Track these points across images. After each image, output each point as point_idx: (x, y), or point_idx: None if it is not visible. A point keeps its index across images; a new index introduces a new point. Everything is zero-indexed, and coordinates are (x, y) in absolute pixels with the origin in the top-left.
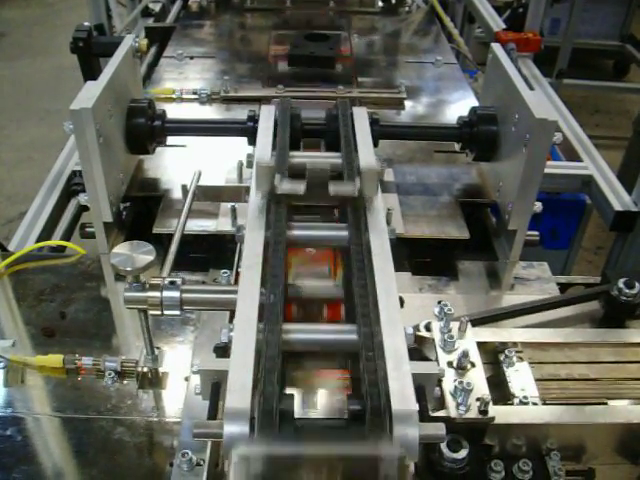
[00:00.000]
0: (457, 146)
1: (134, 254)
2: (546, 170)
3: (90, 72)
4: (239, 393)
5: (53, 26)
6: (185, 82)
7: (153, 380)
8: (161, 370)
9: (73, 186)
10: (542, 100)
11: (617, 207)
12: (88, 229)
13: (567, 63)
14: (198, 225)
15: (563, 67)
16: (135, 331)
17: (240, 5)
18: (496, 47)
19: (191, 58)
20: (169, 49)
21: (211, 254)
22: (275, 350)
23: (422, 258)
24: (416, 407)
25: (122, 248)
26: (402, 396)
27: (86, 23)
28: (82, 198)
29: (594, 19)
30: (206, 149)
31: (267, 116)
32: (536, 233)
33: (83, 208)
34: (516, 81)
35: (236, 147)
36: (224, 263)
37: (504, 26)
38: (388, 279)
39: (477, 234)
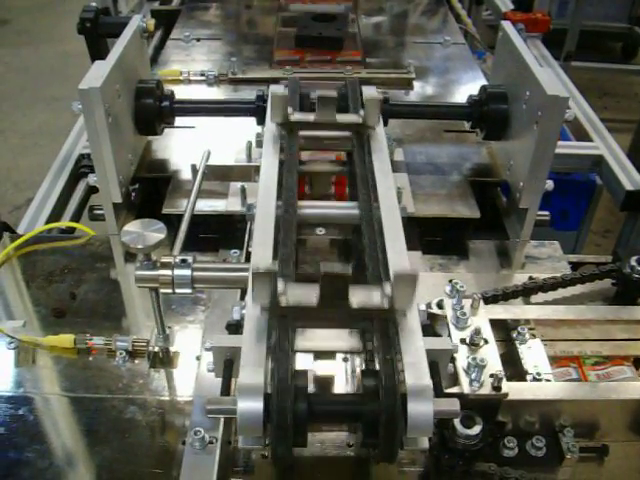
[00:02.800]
0: (467, 125)
1: (145, 232)
2: (556, 150)
3: (97, 53)
4: (252, 368)
5: (57, 13)
6: (192, 64)
7: (164, 359)
8: (172, 349)
9: (81, 168)
10: (553, 77)
11: (628, 186)
12: (97, 211)
13: (575, 45)
14: (208, 205)
15: (571, 49)
16: (145, 312)
17: None
18: (506, 25)
19: (198, 40)
20: (175, 31)
21: (221, 234)
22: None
23: (432, 237)
24: (430, 382)
25: (133, 226)
26: (416, 371)
27: (93, 3)
28: (91, 179)
29: (602, 1)
30: (214, 130)
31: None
32: (546, 213)
33: (92, 190)
34: (527, 58)
35: (244, 128)
36: (234, 243)
37: (512, 6)
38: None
39: (488, 214)
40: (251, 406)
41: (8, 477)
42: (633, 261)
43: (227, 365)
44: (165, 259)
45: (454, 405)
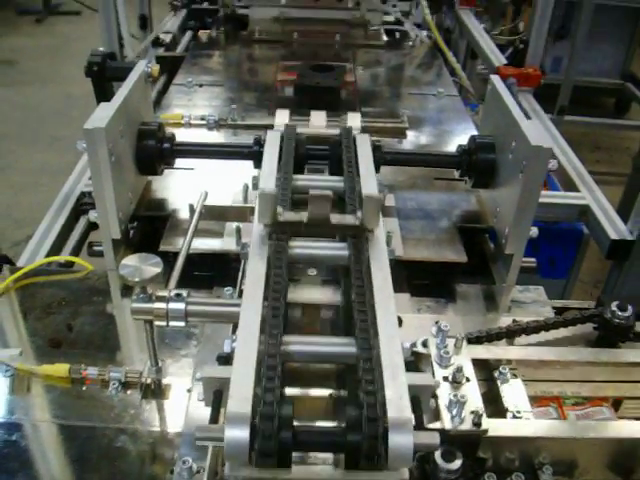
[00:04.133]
0: (457, 173)
1: (142, 265)
2: (544, 199)
3: (103, 96)
4: (240, 399)
5: (62, 55)
6: (194, 109)
7: (156, 391)
8: (164, 382)
9: (82, 206)
10: (538, 128)
11: (613, 235)
12: (96, 247)
13: (568, 100)
14: (204, 243)
15: (564, 104)
16: (139, 345)
17: (248, 37)
18: (495, 78)
19: (200, 86)
20: (179, 77)
21: (215, 272)
22: (276, 359)
23: (421, 281)
24: (411, 415)
25: (131, 260)
26: (398, 405)
27: (100, 48)
28: (92, 215)
29: (595, 57)
30: (213, 172)
31: (273, 141)
32: (533, 260)
33: (91, 227)
34: (513, 110)
35: (241, 171)
36: (227, 281)
37: (505, 61)
38: (387, 297)
39: (475, 259)
40: (238, 434)
41: None
42: (614, 306)
43: (216, 395)
44: (160, 293)
45: (434, 438)
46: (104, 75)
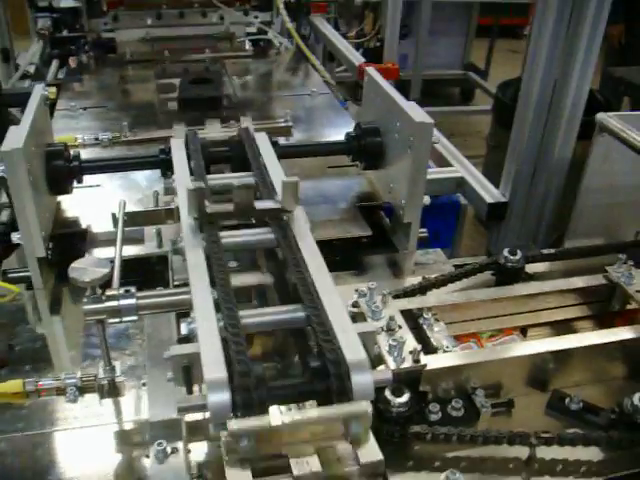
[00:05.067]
0: (348, 159)
1: (90, 268)
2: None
3: (3, 122)
4: (215, 365)
5: None
6: (84, 131)
7: (113, 390)
8: (118, 380)
9: None
10: (417, 108)
11: (489, 200)
12: (11, 275)
13: (419, 93)
14: (126, 250)
15: (416, 97)
16: (75, 355)
17: (120, 58)
18: (371, 70)
19: (84, 109)
20: (60, 103)
21: (141, 277)
22: (238, 328)
23: (332, 257)
24: (366, 356)
25: (78, 264)
26: (353, 349)
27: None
28: (14, 237)
29: (438, 52)
30: (117, 187)
31: (178, 148)
32: (424, 230)
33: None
34: (394, 95)
35: (143, 184)
36: (155, 283)
37: (364, 60)
38: (319, 265)
39: (375, 235)
40: (219, 397)
41: None
42: (505, 252)
43: (186, 371)
44: (110, 292)
45: (387, 374)
46: (1, 102)
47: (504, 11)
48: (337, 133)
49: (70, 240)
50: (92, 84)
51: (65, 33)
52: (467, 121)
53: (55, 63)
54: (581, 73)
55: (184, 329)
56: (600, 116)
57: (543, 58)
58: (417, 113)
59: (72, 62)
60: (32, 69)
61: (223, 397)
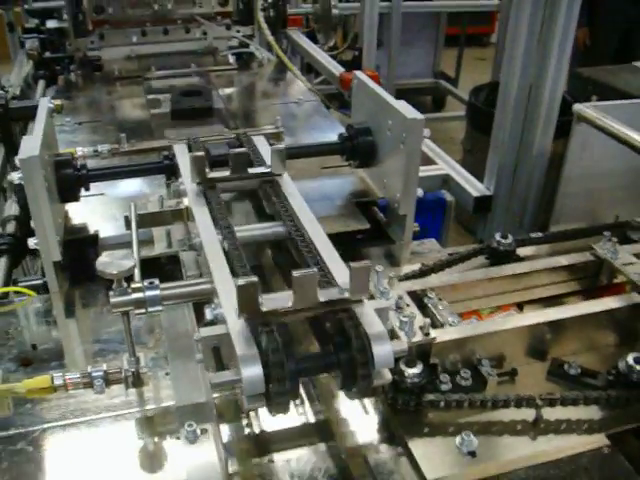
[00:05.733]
0: (342, 159)
1: (115, 261)
2: None
3: (9, 136)
4: (245, 342)
5: None
6: (82, 144)
7: (139, 380)
8: (143, 371)
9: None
10: (407, 106)
11: (475, 194)
12: (21, 284)
13: None
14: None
15: None
16: (92, 356)
17: (107, 76)
18: (359, 74)
19: (79, 124)
20: (56, 119)
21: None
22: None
23: None
24: (384, 328)
25: (105, 257)
26: (372, 323)
27: (0, 91)
28: (31, 242)
29: (409, 62)
30: (119, 195)
31: (182, 152)
32: (417, 224)
33: (12, 266)
34: (384, 95)
35: (145, 191)
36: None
37: (343, 69)
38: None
39: (371, 229)
40: (253, 371)
41: None
42: (497, 237)
43: (215, 352)
44: (135, 285)
45: (403, 344)
46: (8, 116)
47: (470, 21)
48: (326, 137)
49: (79, 246)
50: (82, 101)
51: (49, 54)
52: (440, 128)
53: (42, 83)
54: (555, 74)
55: (209, 314)
56: (577, 107)
57: (519, 62)
58: (408, 110)
59: (60, 80)
60: (17, 90)
61: (256, 371)
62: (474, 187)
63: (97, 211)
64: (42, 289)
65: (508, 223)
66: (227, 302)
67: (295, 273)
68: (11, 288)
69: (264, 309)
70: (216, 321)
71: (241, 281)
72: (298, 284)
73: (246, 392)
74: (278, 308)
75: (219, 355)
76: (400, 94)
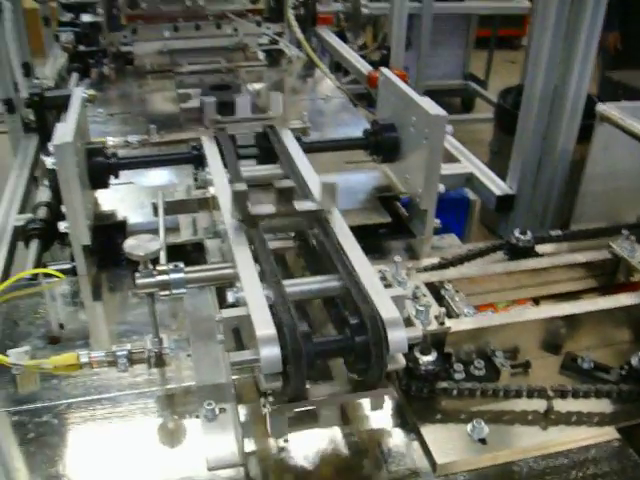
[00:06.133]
0: (363, 155)
1: (142, 244)
2: None
3: (44, 123)
4: (264, 323)
5: None
6: (113, 134)
7: (161, 360)
8: (165, 352)
9: (31, 232)
10: (431, 102)
11: (498, 192)
12: (51, 267)
13: None
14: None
15: None
16: (117, 336)
17: (138, 70)
18: (385, 70)
19: (111, 115)
20: (88, 110)
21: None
22: (283, 292)
23: None
24: (399, 314)
25: (132, 241)
26: (388, 308)
27: (36, 81)
28: (62, 226)
29: (439, 63)
30: (147, 184)
31: (210, 144)
32: (438, 221)
33: (43, 250)
34: (409, 92)
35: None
36: None
37: (371, 68)
38: (357, 250)
39: (393, 224)
40: (271, 351)
41: None
42: (516, 233)
43: (235, 333)
44: (160, 267)
45: (418, 331)
46: (44, 104)
47: (501, 23)
48: (352, 133)
49: (108, 231)
50: (115, 93)
51: (83, 47)
52: (469, 130)
53: (75, 76)
54: (580, 75)
55: (230, 297)
56: (600, 107)
57: (543, 63)
58: (432, 107)
59: (93, 73)
60: (52, 82)
61: (274, 351)
62: (497, 186)
63: (126, 199)
64: (71, 273)
65: (530, 223)
66: (249, 285)
67: (275, 183)
68: (41, 270)
69: (253, 213)
70: (237, 304)
71: (235, 187)
72: (279, 193)
73: (264, 370)
74: (264, 212)
75: (239, 338)
76: (429, 95)
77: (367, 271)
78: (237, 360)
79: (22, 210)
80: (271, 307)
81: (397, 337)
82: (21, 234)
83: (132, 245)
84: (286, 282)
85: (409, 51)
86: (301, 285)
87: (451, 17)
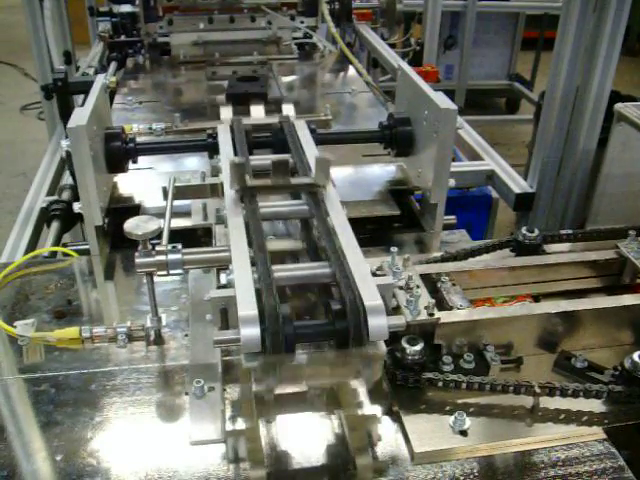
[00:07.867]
0: (381, 147)
1: (142, 224)
2: (456, 169)
3: (66, 108)
4: (248, 304)
5: None
6: (139, 121)
7: (159, 339)
8: (164, 331)
9: (53, 212)
10: (443, 96)
11: (517, 190)
12: (69, 247)
13: (463, 103)
14: (174, 223)
15: (460, 106)
16: (127, 311)
17: (173, 60)
18: (403, 64)
19: (140, 103)
20: (118, 98)
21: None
22: (269, 277)
23: (363, 235)
24: (381, 301)
25: (133, 221)
26: (371, 295)
27: (61, 67)
28: (76, 206)
29: (483, 62)
30: (166, 171)
31: (224, 132)
32: (453, 217)
33: (63, 230)
34: (422, 85)
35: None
36: None
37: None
38: (348, 232)
39: (406, 218)
40: (251, 331)
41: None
42: (523, 230)
43: (223, 312)
44: (159, 248)
45: (401, 319)
46: (67, 89)
47: (549, 24)
48: (374, 127)
49: (124, 214)
50: (147, 82)
51: (122, 37)
52: (512, 131)
53: (113, 65)
54: (602, 75)
55: (223, 279)
56: (618, 106)
57: (566, 62)
58: (443, 100)
59: (129, 63)
60: (91, 72)
61: (254, 331)
62: (517, 184)
63: (144, 184)
64: (87, 253)
65: (549, 222)
66: (238, 267)
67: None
68: (56, 248)
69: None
70: (229, 285)
71: (234, 159)
72: (275, 167)
73: (243, 349)
74: (260, 184)
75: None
76: (473, 95)
77: (356, 258)
78: (219, 339)
79: (51, 193)
80: (258, 290)
81: (377, 323)
82: (45, 215)
83: (132, 225)
84: (277, 267)
85: (454, 49)
86: (292, 270)
87: (498, 17)
